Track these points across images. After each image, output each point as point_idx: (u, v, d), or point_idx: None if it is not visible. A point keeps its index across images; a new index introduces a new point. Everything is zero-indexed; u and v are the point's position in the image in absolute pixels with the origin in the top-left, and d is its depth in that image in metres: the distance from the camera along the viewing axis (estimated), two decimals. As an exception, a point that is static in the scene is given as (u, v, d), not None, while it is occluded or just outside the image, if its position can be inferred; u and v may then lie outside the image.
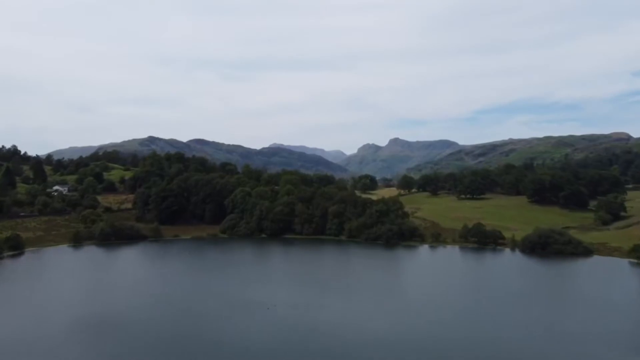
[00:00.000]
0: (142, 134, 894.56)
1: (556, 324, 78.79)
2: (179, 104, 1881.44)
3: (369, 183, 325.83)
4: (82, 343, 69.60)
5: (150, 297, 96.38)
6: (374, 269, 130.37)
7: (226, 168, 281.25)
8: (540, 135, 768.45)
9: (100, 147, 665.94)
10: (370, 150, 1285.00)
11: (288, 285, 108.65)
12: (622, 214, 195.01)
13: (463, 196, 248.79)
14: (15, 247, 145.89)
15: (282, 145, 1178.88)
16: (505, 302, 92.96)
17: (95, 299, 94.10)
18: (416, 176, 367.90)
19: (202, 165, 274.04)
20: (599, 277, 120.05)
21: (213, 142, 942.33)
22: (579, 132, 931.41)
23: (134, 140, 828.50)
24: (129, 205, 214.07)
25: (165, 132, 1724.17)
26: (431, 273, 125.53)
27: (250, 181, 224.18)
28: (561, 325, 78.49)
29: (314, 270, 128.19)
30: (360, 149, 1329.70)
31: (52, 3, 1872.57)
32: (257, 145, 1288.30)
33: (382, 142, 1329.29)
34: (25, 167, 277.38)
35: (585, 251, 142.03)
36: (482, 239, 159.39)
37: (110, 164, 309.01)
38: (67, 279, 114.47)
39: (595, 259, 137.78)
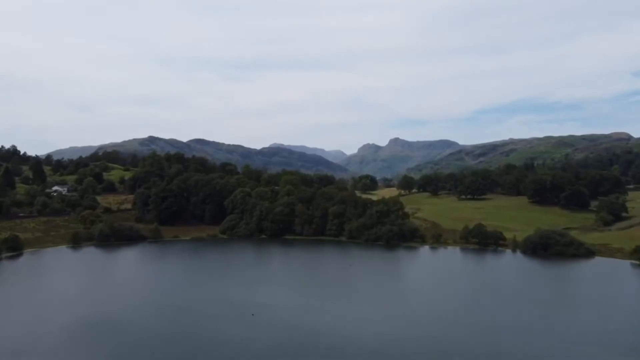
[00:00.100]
0: (142, 134, 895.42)
1: (558, 326, 78.19)
2: (179, 104, 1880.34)
3: (369, 183, 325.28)
4: (80, 344, 69.34)
5: (149, 298, 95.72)
6: (374, 271, 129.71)
7: (226, 168, 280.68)
8: (541, 135, 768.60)
9: (101, 147, 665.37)
10: (371, 150, 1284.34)
11: (288, 287, 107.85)
12: (624, 214, 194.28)
13: (463, 196, 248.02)
14: (14, 248, 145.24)
15: (282, 145, 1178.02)
16: (507, 304, 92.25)
17: (93, 300, 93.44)
18: (416, 176, 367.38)
19: (202, 165, 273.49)
20: (601, 279, 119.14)
21: (213, 142, 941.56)
22: (579, 132, 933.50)
23: (134, 140, 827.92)
24: (129, 206, 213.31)
25: (165, 132, 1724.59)
26: (432, 275, 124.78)
27: (250, 181, 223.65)
28: (563, 327, 77.96)
29: (314, 271, 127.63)
30: (360, 149, 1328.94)
31: (52, 3, 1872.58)
32: (257, 145, 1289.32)
33: (383, 142, 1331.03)
34: (25, 168, 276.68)
35: (587, 252, 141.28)
36: (483, 240, 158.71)
37: (110, 164, 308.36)
38: (66, 280, 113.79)
39: (597, 260, 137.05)
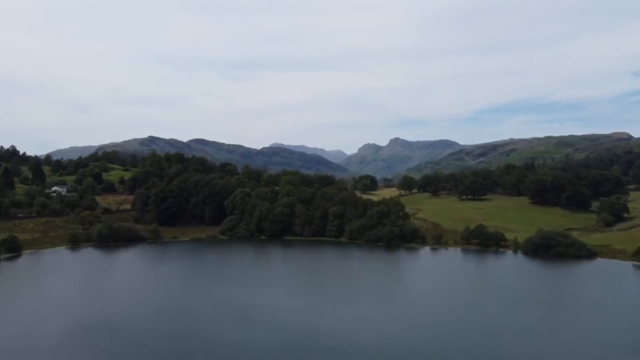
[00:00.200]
0: (143, 134, 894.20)
1: (559, 327, 77.65)
2: (179, 104, 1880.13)
3: (370, 183, 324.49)
4: (80, 345, 69.04)
5: (149, 299, 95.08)
6: (374, 272, 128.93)
7: (226, 168, 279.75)
8: (541, 135, 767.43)
9: (101, 147, 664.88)
10: (371, 150, 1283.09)
11: (288, 288, 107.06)
12: (625, 215, 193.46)
13: (464, 197, 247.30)
14: (12, 249, 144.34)
15: (282, 145, 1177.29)
16: (508, 305, 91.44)
17: (92, 301, 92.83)
18: (417, 176, 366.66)
19: (202, 165, 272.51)
20: (603, 280, 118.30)
21: (213, 142, 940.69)
22: (579, 132, 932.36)
23: (134, 140, 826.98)
24: (128, 206, 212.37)
25: (165, 132, 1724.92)
26: (433, 276, 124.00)
27: (250, 182, 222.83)
28: (564, 329, 77.46)
29: (314, 272, 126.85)
30: (360, 149, 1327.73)
31: (52, 3, 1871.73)
32: (257, 145, 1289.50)
33: (383, 141, 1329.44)
34: (24, 168, 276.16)
35: (589, 254, 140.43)
36: (484, 241, 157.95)
37: (110, 165, 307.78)
38: (65, 281, 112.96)
39: (599, 261, 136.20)
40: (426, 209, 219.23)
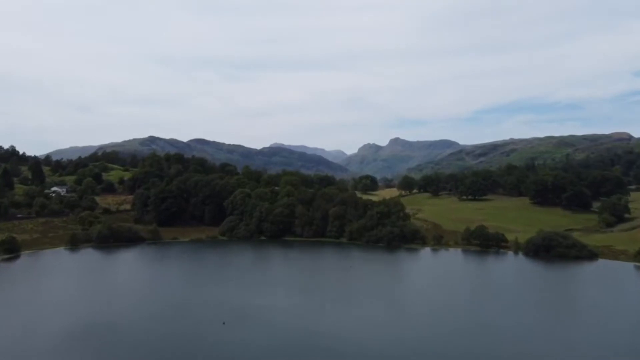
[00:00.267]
0: (143, 134, 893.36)
1: (560, 328, 77.24)
2: (179, 104, 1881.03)
3: (370, 184, 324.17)
4: (79, 346, 68.76)
5: (148, 300, 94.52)
6: (375, 272, 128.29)
7: (226, 169, 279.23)
8: (541, 135, 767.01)
9: (101, 147, 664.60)
10: (371, 150, 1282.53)
11: (288, 289, 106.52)
12: (626, 215, 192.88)
13: (464, 197, 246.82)
14: (11, 250, 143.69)
15: (282, 145, 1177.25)
16: (508, 306, 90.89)
17: (91, 302, 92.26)
18: (417, 176, 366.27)
19: (202, 165, 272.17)
20: (605, 281, 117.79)
21: (213, 142, 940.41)
22: (580, 132, 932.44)
23: (134, 140, 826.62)
24: (128, 207, 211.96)
25: (165, 132, 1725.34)
26: (433, 277, 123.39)
27: (250, 182, 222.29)
28: (565, 330, 77.03)
29: (314, 273, 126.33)
30: (360, 149, 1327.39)
31: (52, 3, 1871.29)
32: (257, 145, 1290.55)
33: (383, 141, 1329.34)
34: (24, 168, 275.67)
35: (590, 254, 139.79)
36: (484, 242, 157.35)
37: (110, 165, 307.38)
38: (64, 282, 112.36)
39: (600, 262, 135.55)
40: (426, 210, 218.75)
